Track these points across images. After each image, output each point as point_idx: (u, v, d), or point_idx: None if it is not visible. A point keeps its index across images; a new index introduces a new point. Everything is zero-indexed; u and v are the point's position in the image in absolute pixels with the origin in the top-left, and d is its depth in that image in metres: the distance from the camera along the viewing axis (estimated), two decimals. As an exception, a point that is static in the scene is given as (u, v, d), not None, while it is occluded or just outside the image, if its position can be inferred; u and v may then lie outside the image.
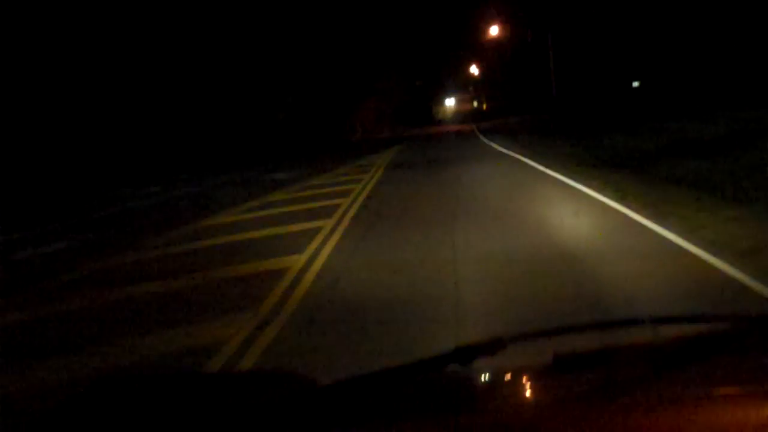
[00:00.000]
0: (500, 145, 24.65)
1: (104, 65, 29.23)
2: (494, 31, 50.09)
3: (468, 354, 1.40)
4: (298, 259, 7.46)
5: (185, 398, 1.57)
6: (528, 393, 1.58)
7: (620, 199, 9.57)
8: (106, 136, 28.99)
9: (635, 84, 58.29)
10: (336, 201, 12.36)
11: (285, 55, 37.51)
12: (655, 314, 1.73)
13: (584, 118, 38.79)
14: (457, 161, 19.92)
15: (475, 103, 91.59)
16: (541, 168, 15.22)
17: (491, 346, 1.42)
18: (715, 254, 6.07)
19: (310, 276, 6.69)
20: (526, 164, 16.91)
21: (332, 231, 9.15)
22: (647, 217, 8.01)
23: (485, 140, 29.57)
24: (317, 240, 8.54)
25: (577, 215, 8.97)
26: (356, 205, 11.63)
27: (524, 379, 1.58)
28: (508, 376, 1.60)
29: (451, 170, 17.18)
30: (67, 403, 1.46)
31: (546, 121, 40.54)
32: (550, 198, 11.06)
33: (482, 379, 1.57)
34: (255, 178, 21.11)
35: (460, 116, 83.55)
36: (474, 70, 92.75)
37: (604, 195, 10.10)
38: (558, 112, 43.20)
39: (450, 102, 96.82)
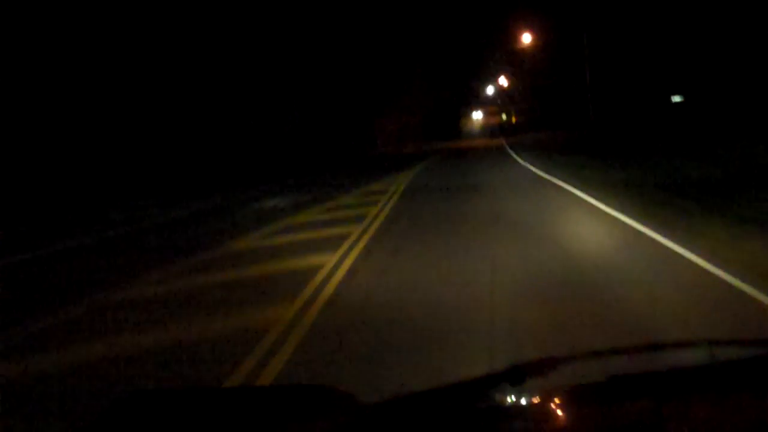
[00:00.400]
0: (538, 167, 20.58)
1: (104, 77, 25.45)
2: (527, 38, 46.00)
3: (520, 374, 1.38)
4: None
5: (220, 414, 1.40)
6: (580, 415, 1.46)
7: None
8: (98, 149, 25.20)
9: (676, 99, 53.63)
10: (317, 260, 8.37)
11: (298, 64, 33.83)
12: (712, 337, 1.72)
13: (625, 136, 34.56)
14: (491, 190, 15.84)
15: (504, 116, 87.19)
16: (605, 208, 11.05)
17: (543, 366, 1.45)
18: None
19: None
20: (580, 199, 12.74)
21: (286, 336, 5.16)
22: None
23: (519, 159, 25.47)
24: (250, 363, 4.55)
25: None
26: (341, 273, 7.60)
27: (577, 400, 1.49)
28: (560, 397, 1.51)
29: (485, 205, 13.07)
30: (92, 419, 1.31)
31: (583, 138, 36.36)
32: (657, 276, 6.87)
33: (534, 400, 1.52)
34: (237, 206, 16.92)
35: (488, 130, 79.32)
36: (503, 81, 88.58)
37: (745, 280, 5.90)
38: (594, 128, 38.92)
39: (477, 114, 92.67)
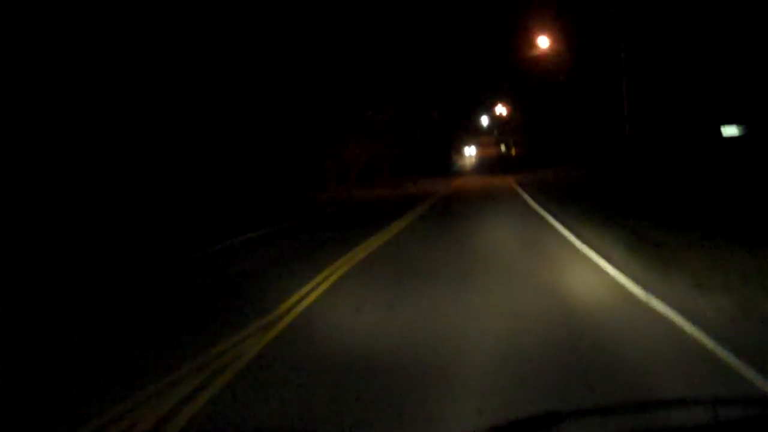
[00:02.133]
0: (627, 254, 7.44)
1: None
2: (544, 43, 32.97)
3: (523, 428, 1.34)
4: None
5: None
6: None
7: None
8: None
9: (731, 131, 40.37)
10: None
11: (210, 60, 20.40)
12: (717, 396, 1.55)
13: (692, 182, 21.27)
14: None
15: (503, 148, 74.22)
16: None
17: (547, 421, 1.34)
18: None
19: None
20: None
21: None
22: None
23: (556, 222, 12.46)
24: None
25: None
26: None
27: None
28: None
29: None
30: None
31: (629, 180, 23.20)
32: None
33: None
34: None
35: (486, 163, 65.99)
36: (500, 109, 75.99)
37: None
38: (634, 166, 25.58)
39: (472, 146, 79.52)
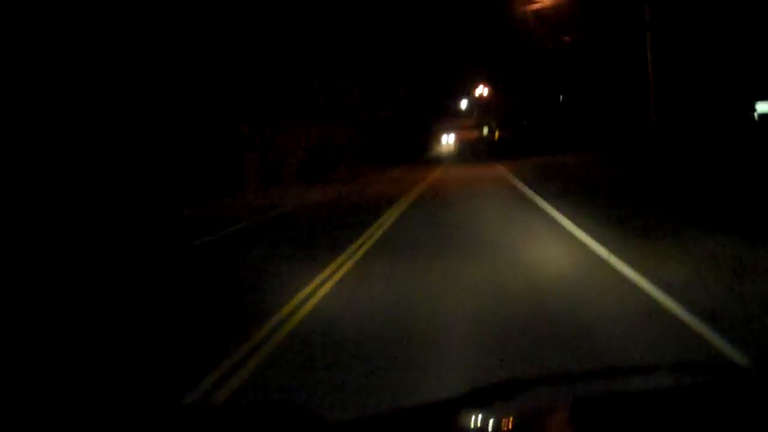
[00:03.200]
0: None
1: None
2: (544, -6, 25.18)
3: (485, 396, 1.31)
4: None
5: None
6: None
7: None
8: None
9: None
10: None
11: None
12: (675, 362, 1.63)
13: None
14: None
15: (485, 131, 66.42)
16: None
17: (508, 389, 1.33)
18: None
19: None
20: None
21: None
22: None
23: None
24: None
25: None
26: None
27: (542, 422, 1.42)
28: (525, 420, 1.42)
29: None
30: None
31: (677, 175, 15.74)
32: None
33: (499, 423, 1.41)
34: None
35: (467, 149, 58.13)
36: (481, 90, 68.40)
37: None
38: (663, 155, 17.98)
39: (450, 132, 71.73)
